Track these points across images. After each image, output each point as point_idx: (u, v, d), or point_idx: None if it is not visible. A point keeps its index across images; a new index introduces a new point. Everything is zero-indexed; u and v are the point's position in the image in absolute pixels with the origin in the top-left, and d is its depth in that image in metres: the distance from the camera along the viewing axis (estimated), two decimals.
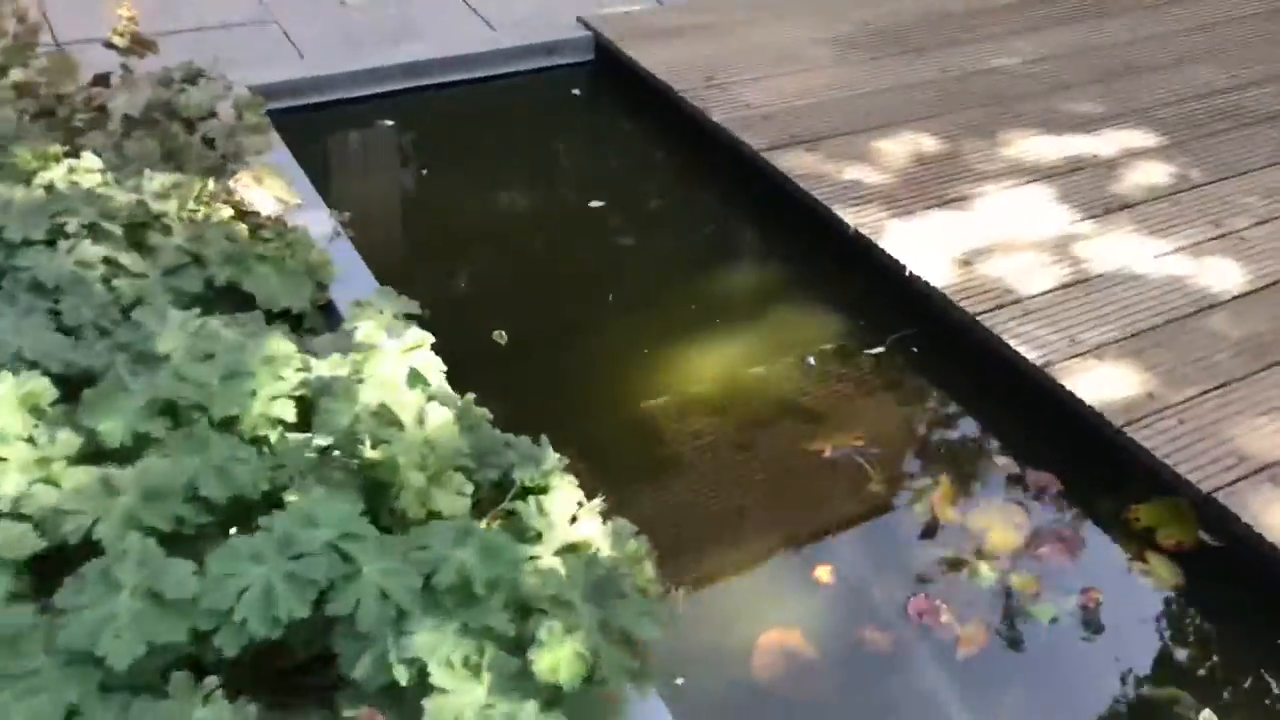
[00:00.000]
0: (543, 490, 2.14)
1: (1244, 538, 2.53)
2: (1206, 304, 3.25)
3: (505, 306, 3.27)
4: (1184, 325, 3.15)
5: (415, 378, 2.05)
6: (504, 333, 3.11)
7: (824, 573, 2.50)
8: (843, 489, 2.73)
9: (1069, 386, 2.88)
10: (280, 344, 2.17)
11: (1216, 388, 2.92)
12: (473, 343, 3.10)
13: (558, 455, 2.37)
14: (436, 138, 4.23)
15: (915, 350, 3.20)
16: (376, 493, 1.94)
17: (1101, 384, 2.89)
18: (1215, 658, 2.42)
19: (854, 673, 2.32)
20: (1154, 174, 3.93)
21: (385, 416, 1.89)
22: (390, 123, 4.11)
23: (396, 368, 2.07)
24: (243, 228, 2.96)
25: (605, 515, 2.35)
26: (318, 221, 3.23)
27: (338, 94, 4.19)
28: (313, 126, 4.04)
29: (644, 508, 2.61)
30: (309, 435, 1.99)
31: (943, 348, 3.19)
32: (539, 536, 2.04)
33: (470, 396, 2.44)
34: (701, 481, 2.73)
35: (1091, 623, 2.45)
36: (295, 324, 2.83)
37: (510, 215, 3.78)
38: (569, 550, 2.05)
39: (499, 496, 2.20)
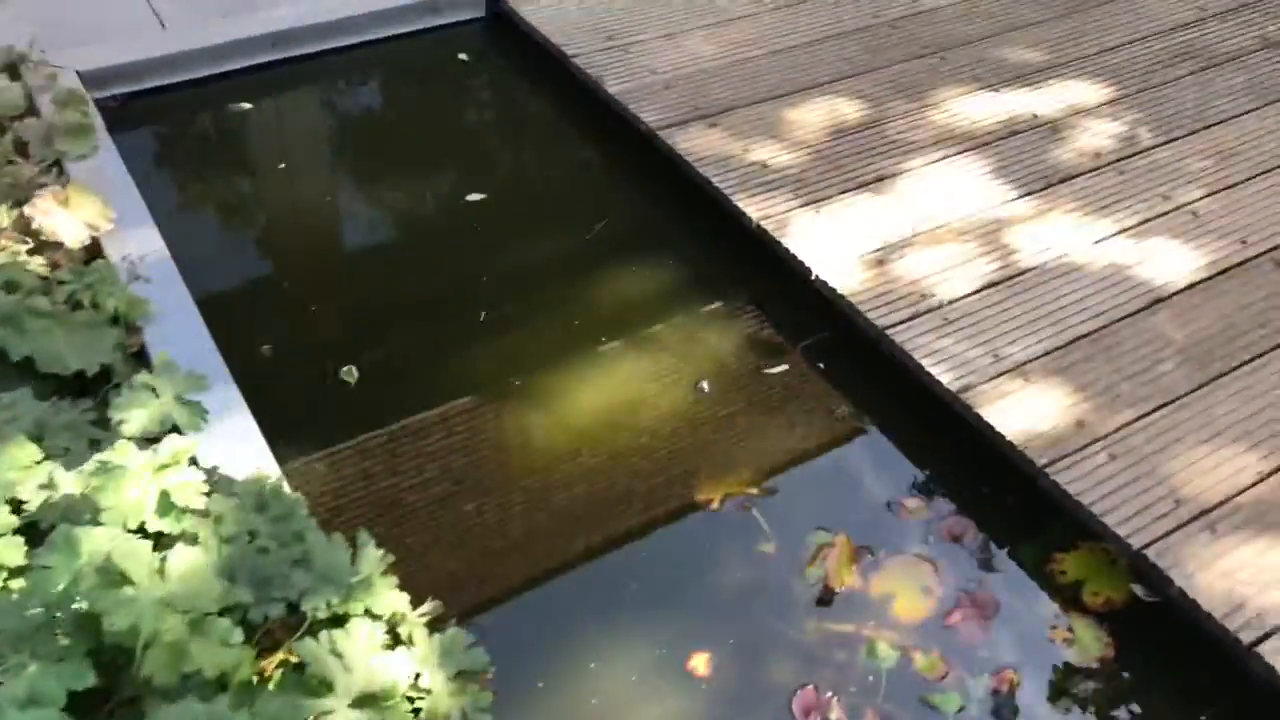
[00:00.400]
0: (342, 622, 1.81)
1: (1176, 600, 2.23)
2: (1150, 300, 2.90)
3: (361, 333, 2.89)
4: (1123, 328, 2.81)
5: (166, 506, 1.69)
6: (354, 368, 2.74)
7: (700, 662, 2.19)
8: (730, 551, 2.40)
9: (987, 417, 2.54)
10: (20, 452, 1.81)
11: (1155, 409, 2.58)
12: (317, 383, 2.73)
13: (380, 552, 2.05)
14: (300, 122, 3.78)
15: (822, 365, 2.85)
16: (116, 657, 1.61)
17: (1025, 411, 2.56)
18: None
19: None
20: (1099, 136, 3.53)
21: (111, 574, 1.54)
22: (247, 105, 3.65)
23: (146, 491, 1.71)
24: (36, 267, 2.57)
25: (436, 623, 2.04)
26: (142, 244, 2.83)
27: (192, 73, 3.71)
28: (156, 117, 3.59)
29: (486, 589, 2.29)
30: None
31: (854, 360, 2.83)
32: (330, 687, 1.72)
33: (276, 480, 2.10)
34: (563, 549, 2.40)
35: (1003, 710, 2.16)
36: (102, 381, 2.47)
37: (375, 218, 3.37)
38: (368, 701, 1.73)
39: (295, 625, 1.87)
